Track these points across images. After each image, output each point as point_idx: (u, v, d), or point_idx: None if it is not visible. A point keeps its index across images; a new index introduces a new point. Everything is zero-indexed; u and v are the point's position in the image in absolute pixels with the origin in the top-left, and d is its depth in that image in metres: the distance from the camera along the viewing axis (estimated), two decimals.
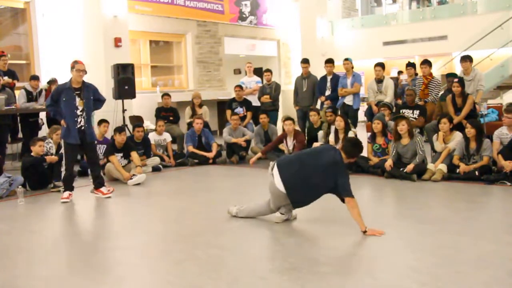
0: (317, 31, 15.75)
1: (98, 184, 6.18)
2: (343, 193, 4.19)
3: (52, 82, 9.30)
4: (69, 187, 6.04)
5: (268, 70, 9.95)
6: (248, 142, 8.81)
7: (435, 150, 6.91)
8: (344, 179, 4.22)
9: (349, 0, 19.04)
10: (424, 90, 8.20)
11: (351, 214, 4.16)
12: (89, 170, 6.56)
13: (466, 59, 7.81)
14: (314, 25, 15.70)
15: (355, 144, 4.45)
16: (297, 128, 8.63)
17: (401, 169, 6.51)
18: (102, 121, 7.99)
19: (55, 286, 3.34)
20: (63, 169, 6.06)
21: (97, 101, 6.21)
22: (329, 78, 9.12)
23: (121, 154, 7.37)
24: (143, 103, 11.43)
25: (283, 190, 4.32)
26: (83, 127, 5.93)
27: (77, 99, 5.86)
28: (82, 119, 5.92)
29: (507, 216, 4.81)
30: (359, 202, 4.18)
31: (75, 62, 5.88)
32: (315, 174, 4.25)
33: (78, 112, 5.87)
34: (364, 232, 4.06)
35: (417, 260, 3.49)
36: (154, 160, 8.06)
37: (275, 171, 4.42)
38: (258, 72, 11.00)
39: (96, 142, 6.55)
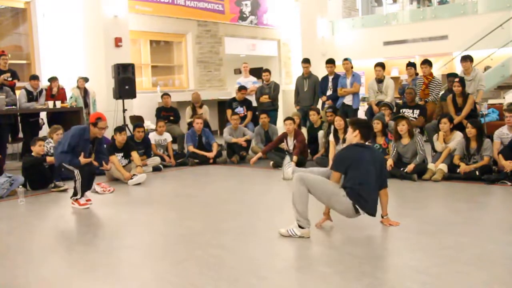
0: (317, 31, 15.74)
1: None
2: (385, 183, 4.29)
3: (52, 79, 9.30)
4: (82, 194, 5.69)
5: (267, 70, 9.95)
6: (248, 142, 8.81)
7: (435, 150, 6.91)
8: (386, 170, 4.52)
9: (350, 0, 19.02)
10: (424, 90, 8.20)
11: (384, 201, 4.33)
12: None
13: (467, 59, 7.81)
14: (315, 25, 15.70)
15: (370, 127, 4.57)
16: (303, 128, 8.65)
17: (402, 169, 6.50)
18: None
19: (55, 286, 3.34)
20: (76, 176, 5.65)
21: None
22: (330, 78, 9.13)
23: (122, 154, 7.37)
24: (144, 103, 11.44)
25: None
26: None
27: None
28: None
29: (508, 216, 4.80)
30: None
31: (99, 118, 5.59)
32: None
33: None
34: (383, 217, 4.30)
35: (417, 260, 3.48)
36: (155, 160, 8.06)
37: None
38: (258, 72, 11.00)
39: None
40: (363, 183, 4.04)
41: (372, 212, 4.11)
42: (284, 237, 4.12)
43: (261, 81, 10.09)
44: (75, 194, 5.64)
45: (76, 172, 5.58)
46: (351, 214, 4.11)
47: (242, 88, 9.76)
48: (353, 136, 4.26)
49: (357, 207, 4.04)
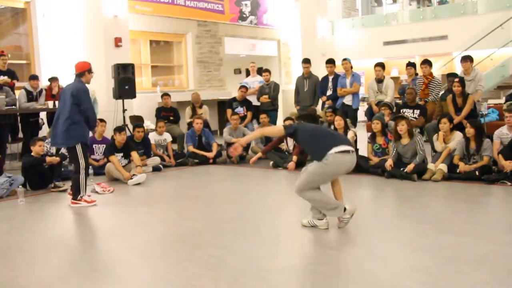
0: (317, 31, 15.74)
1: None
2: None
3: (53, 79, 9.30)
4: (84, 192, 5.73)
5: (267, 70, 9.95)
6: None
7: (435, 150, 6.90)
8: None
9: (350, 0, 19.03)
10: (424, 90, 8.20)
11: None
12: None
13: (467, 59, 7.82)
14: (315, 25, 15.70)
15: (314, 117, 4.94)
16: None
17: (402, 169, 6.50)
18: (99, 121, 7.98)
19: (55, 286, 3.34)
20: (71, 167, 5.82)
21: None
22: (330, 78, 9.12)
23: (121, 154, 7.37)
24: (144, 103, 11.43)
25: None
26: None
27: None
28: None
29: (508, 216, 4.80)
30: (359, 202, 4.19)
31: (89, 63, 5.86)
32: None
33: None
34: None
35: (417, 260, 3.48)
36: (155, 160, 8.06)
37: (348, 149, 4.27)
38: (259, 72, 11.01)
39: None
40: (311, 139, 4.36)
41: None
42: (284, 237, 4.11)
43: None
44: (78, 192, 5.63)
45: (82, 162, 5.61)
46: (347, 165, 4.27)
47: (242, 87, 9.76)
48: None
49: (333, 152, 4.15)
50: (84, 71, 5.73)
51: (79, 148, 5.60)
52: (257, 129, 4.61)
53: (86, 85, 5.77)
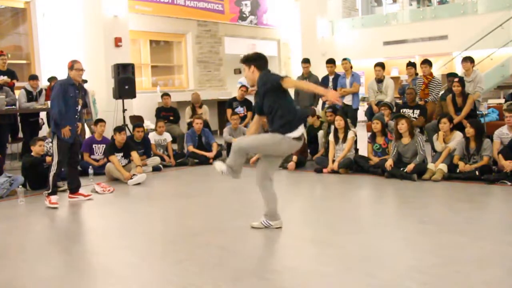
0: (317, 31, 15.74)
1: (77, 187, 5.97)
2: None
3: (52, 79, 9.30)
4: (55, 188, 5.76)
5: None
6: None
7: (435, 150, 6.90)
8: None
9: (350, 0, 19.02)
10: (424, 90, 8.20)
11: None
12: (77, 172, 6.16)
13: (467, 60, 7.82)
14: (315, 25, 15.70)
15: (263, 57, 4.52)
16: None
17: (402, 168, 6.50)
18: (98, 121, 8.01)
19: (55, 286, 3.34)
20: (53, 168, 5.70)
21: (84, 106, 6.08)
22: (331, 78, 9.12)
23: (121, 154, 7.37)
24: (144, 103, 11.43)
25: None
26: (77, 127, 5.86)
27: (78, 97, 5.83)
28: (77, 118, 5.86)
29: (507, 216, 4.80)
30: (359, 202, 4.19)
31: (74, 61, 5.79)
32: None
33: (78, 110, 5.84)
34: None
35: (417, 260, 3.48)
36: (154, 160, 8.06)
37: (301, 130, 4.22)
38: None
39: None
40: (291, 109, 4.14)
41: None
42: (284, 237, 4.11)
43: None
44: (48, 188, 5.69)
45: (55, 158, 5.68)
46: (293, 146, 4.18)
47: (242, 86, 9.75)
48: (251, 73, 4.32)
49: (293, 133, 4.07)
50: (69, 68, 5.82)
51: (55, 143, 5.70)
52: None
53: (85, 85, 5.80)
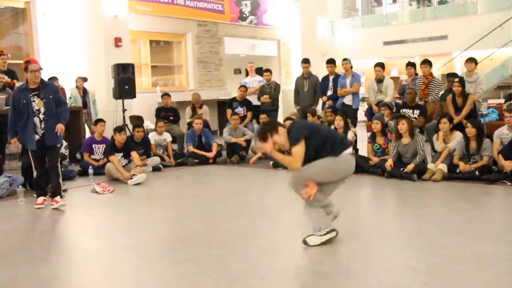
0: (317, 31, 15.75)
1: (54, 193, 5.58)
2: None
3: (52, 79, 9.28)
4: (41, 191, 5.68)
5: (268, 70, 9.95)
6: (248, 142, 8.81)
7: (435, 150, 6.90)
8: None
9: (350, 0, 19.03)
10: (424, 90, 8.20)
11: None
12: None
13: (472, 60, 7.82)
14: (315, 25, 15.70)
15: (275, 122, 4.27)
16: None
17: (402, 169, 6.50)
18: (98, 121, 8.01)
19: (55, 286, 3.34)
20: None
21: (58, 104, 5.57)
22: (331, 78, 9.12)
23: (121, 154, 7.37)
24: (143, 103, 11.43)
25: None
26: (42, 131, 5.51)
27: (36, 100, 5.46)
28: (43, 122, 5.49)
29: (508, 216, 4.80)
30: (359, 202, 4.18)
31: (28, 62, 5.41)
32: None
33: (40, 115, 5.48)
34: None
35: (417, 260, 3.48)
36: (154, 160, 8.06)
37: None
38: (258, 72, 11.01)
39: (58, 144, 5.78)
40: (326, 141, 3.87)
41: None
42: (284, 237, 4.11)
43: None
44: (55, 192, 5.60)
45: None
46: (352, 169, 3.96)
47: (242, 86, 9.76)
48: (282, 137, 4.02)
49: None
50: (24, 70, 5.54)
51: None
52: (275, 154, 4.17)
53: (62, 86, 5.70)
